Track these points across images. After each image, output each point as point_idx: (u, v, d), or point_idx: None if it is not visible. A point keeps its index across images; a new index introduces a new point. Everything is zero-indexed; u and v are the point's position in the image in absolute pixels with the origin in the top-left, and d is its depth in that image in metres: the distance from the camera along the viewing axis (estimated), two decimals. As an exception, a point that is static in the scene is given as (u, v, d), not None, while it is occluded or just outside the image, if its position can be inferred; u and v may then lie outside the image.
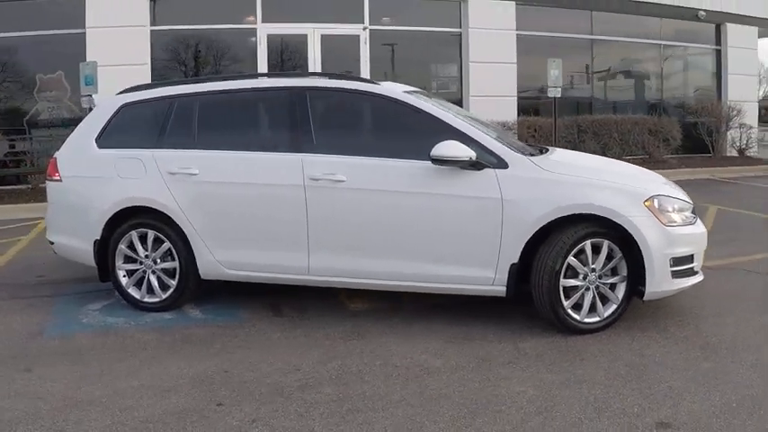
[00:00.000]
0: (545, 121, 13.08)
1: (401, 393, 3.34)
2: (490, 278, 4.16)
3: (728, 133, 15.28)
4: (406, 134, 4.45)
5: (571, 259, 4.08)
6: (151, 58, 10.49)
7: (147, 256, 4.67)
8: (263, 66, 11.41)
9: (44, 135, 10.36)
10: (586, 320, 4.16)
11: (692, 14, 15.08)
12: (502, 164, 4.15)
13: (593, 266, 4.15)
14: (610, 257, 4.18)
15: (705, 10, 14.93)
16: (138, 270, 4.72)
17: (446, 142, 4.06)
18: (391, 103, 4.44)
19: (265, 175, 4.43)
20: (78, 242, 4.84)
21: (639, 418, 3.08)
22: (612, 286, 4.22)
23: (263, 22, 11.38)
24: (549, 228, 4.09)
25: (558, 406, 3.21)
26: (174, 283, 4.65)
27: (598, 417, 3.10)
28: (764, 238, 6.98)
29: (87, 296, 5.12)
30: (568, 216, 4.06)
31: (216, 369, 3.67)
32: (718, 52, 16.06)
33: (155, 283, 4.69)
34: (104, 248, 4.74)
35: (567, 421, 3.05)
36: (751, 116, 15.67)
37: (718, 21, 15.53)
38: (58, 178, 4.96)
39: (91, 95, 8.92)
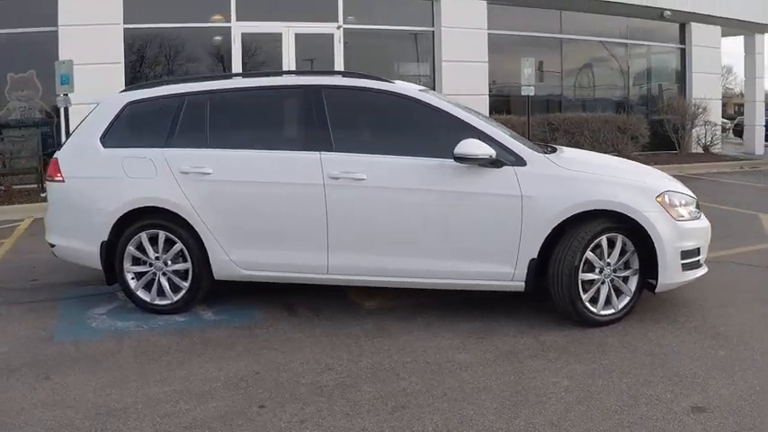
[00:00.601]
0: (517, 119, 13.34)
1: (441, 388, 3.44)
2: (510, 274, 4.29)
3: (694, 130, 15.83)
4: (424, 132, 4.55)
5: (588, 254, 4.24)
6: (125, 57, 10.32)
7: (157, 258, 4.64)
8: (237, 64, 11.37)
9: (16, 135, 10.11)
10: (603, 313, 4.33)
11: (657, 14, 15.58)
12: (520, 161, 4.29)
13: (608, 261, 4.31)
14: (623, 252, 4.35)
15: (670, 9, 15.43)
16: (147, 272, 4.69)
17: (468, 140, 4.18)
18: (408, 101, 4.53)
19: (283, 173, 4.46)
20: (83, 244, 4.77)
21: (674, 404, 3.25)
22: (625, 279, 4.40)
23: (237, 20, 11.35)
24: (564, 224, 4.23)
25: (596, 395, 3.35)
26: (186, 284, 4.63)
27: (636, 404, 3.26)
28: (742, 232, 7.36)
29: (89, 300, 5.07)
30: (585, 212, 4.22)
31: (246, 371, 3.69)
32: (683, 51, 16.63)
33: (165, 285, 4.66)
34: (111, 250, 4.69)
35: (609, 409, 3.20)
36: (715, 114, 16.28)
37: (683, 20, 16.09)
38: (61, 178, 4.87)
39: (67, 95, 8.75)
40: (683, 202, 4.51)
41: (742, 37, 17.79)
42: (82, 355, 3.96)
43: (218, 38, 11.35)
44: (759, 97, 17.45)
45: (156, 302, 4.69)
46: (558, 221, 4.21)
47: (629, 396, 3.34)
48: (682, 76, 16.78)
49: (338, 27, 12.26)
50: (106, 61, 9.87)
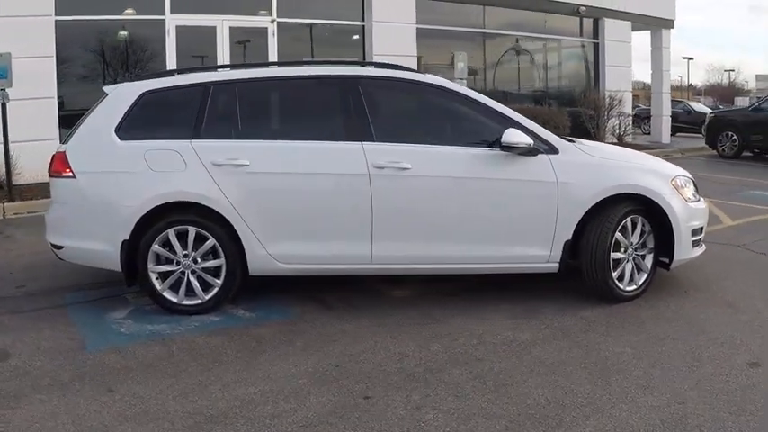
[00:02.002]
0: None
1: (524, 365, 3.74)
2: (546, 256, 4.67)
3: (609, 121, 17.03)
4: (460, 123, 4.84)
5: (617, 235, 4.69)
6: (56, 50, 9.88)
7: (185, 256, 4.55)
8: (171, 58, 11.17)
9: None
10: (627, 289, 4.81)
11: (573, 9, 16.65)
12: (553, 150, 4.67)
13: (631, 240, 4.78)
14: (642, 232, 4.84)
15: (585, 5, 16.54)
16: (174, 271, 4.58)
17: (511, 130, 4.51)
18: (444, 92, 4.80)
19: (325, 164, 4.57)
20: (98, 245, 4.60)
21: (732, 361, 3.75)
22: (643, 257, 4.89)
23: (172, 13, 11.14)
24: (594, 207, 4.65)
25: (663, 360, 3.80)
26: (218, 282, 4.58)
27: (700, 364, 3.73)
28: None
29: (97, 304, 4.90)
30: (613, 196, 4.65)
31: (324, 365, 3.77)
32: (596, 45, 17.83)
33: (196, 283, 4.58)
34: (132, 250, 4.58)
35: (682, 369, 3.66)
36: (626, 105, 17.59)
37: (597, 15, 17.27)
38: (70, 174, 4.64)
39: (4, 89, 8.32)
40: (689, 185, 5.06)
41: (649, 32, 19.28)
42: (133, 363, 3.84)
43: (158, 30, 11.09)
44: (665, 89, 19.03)
45: (185, 303, 4.61)
46: (591, 205, 4.63)
47: (691, 358, 3.81)
48: (596, 70, 17.98)
49: (272, 21, 12.32)
50: (37, 55, 9.40)
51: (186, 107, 4.75)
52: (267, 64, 4.98)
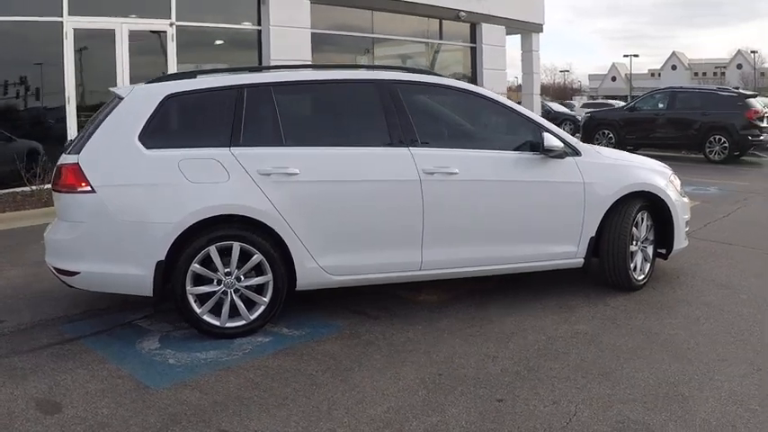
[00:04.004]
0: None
1: (608, 353, 4.09)
2: (574, 252, 5.07)
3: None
4: (495, 127, 5.14)
5: (633, 229, 5.18)
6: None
7: (227, 274, 4.36)
8: (69, 61, 10.56)
9: None
10: (639, 278, 5.34)
11: (454, 15, 17.53)
12: (576, 152, 5.09)
13: (641, 234, 5.31)
14: (647, 226, 5.38)
15: (465, 11, 17.47)
16: (215, 292, 4.35)
17: (548, 135, 4.86)
18: (477, 97, 5.07)
19: (376, 170, 4.60)
20: (127, 268, 4.27)
21: (760, 335, 4.34)
22: (646, 249, 5.44)
23: (69, 15, 10.47)
24: (614, 205, 5.11)
25: (712, 336, 4.35)
26: (265, 299, 4.43)
27: (742, 334, 4.33)
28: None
29: (113, 334, 4.55)
30: (629, 193, 5.15)
31: (425, 374, 3.82)
32: (473, 49, 18.87)
33: (240, 303, 4.39)
34: (167, 271, 4.29)
35: (733, 341, 4.26)
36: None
37: (475, 21, 18.30)
38: (88, 189, 4.27)
39: None
40: (678, 182, 5.69)
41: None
42: (221, 398, 3.61)
43: (56, 33, 10.36)
44: (536, 90, 20.50)
45: (228, 325, 4.38)
46: (611, 202, 5.10)
47: (736, 331, 4.41)
48: (473, 73, 19.01)
49: (171, 24, 12.02)
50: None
51: (218, 112, 4.55)
52: (306, 66, 4.83)
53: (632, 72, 74.65)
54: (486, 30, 18.53)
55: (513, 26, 19.30)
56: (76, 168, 4.31)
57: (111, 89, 4.91)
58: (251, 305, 4.47)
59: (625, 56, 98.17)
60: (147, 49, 11.95)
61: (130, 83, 11.26)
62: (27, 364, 4.10)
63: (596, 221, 5.07)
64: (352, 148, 4.67)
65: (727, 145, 14.69)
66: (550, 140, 4.85)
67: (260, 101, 4.59)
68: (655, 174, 5.43)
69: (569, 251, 5.06)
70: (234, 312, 4.43)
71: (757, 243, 7.00)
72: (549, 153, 4.89)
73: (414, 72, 5.22)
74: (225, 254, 4.37)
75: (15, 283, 5.79)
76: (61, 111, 10.73)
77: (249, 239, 4.37)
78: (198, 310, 4.37)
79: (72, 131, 10.74)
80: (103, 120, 4.50)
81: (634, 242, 5.26)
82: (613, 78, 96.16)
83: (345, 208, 4.56)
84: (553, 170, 4.96)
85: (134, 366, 4.06)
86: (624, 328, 4.50)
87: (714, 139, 14.83)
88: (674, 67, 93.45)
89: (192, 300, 4.36)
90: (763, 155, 16.20)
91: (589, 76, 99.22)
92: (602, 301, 5.04)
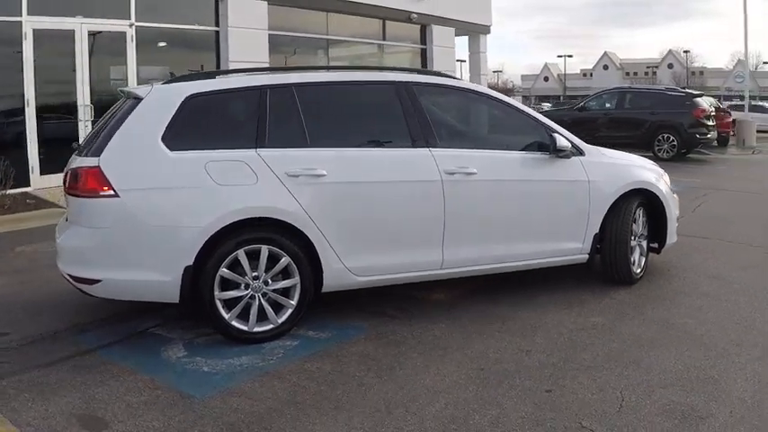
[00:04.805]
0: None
1: (634, 344, 4.33)
2: (579, 248, 5.34)
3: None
4: (506, 128, 5.35)
5: (633, 225, 5.49)
6: None
7: (255, 278, 4.37)
8: (28, 63, 10.29)
9: None
10: (637, 272, 5.66)
11: (406, 17, 17.80)
12: (581, 152, 5.36)
13: (638, 229, 5.62)
14: (642, 222, 5.70)
15: (416, 13, 17.76)
16: (242, 296, 4.35)
17: (558, 136, 5.10)
18: (488, 99, 5.28)
19: (401, 171, 4.72)
20: (152, 274, 4.21)
21: (762, 321, 4.71)
22: (641, 243, 5.74)
23: (29, 15, 10.19)
24: (615, 202, 5.39)
25: (723, 322, 4.68)
26: (293, 302, 4.46)
27: (745, 322, 4.68)
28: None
29: (131, 344, 4.48)
30: (629, 191, 5.44)
31: (469, 370, 3.95)
32: (424, 51, 19.19)
33: (268, 307, 4.40)
34: (195, 277, 4.24)
35: (739, 327, 4.62)
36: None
37: (426, 22, 18.64)
38: (111, 193, 4.18)
39: None
40: (668, 179, 6.04)
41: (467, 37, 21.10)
42: (274, 404, 3.59)
43: (14, 32, 10.07)
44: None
45: (257, 330, 4.40)
46: (613, 199, 5.39)
47: (739, 318, 4.77)
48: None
49: (131, 25, 11.86)
50: None
51: (241, 113, 4.58)
52: (320, 68, 4.86)
53: (566, 72, 76.82)
54: (437, 31, 18.89)
55: (462, 28, 19.75)
56: (97, 172, 4.20)
57: (125, 89, 4.86)
58: (278, 309, 4.49)
59: (559, 56, 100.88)
60: (107, 50, 11.76)
61: (90, 85, 11.08)
62: (50, 378, 3.97)
63: (600, 218, 5.35)
64: (376, 149, 4.79)
65: (675, 143, 15.43)
66: (561, 141, 5.10)
67: (283, 101, 4.60)
68: (649, 171, 5.76)
69: (575, 247, 5.32)
70: (261, 317, 4.44)
71: (731, 237, 7.49)
72: (560, 153, 5.13)
73: (427, 74, 5.39)
74: (251, 257, 4.37)
75: (4, 293, 5.65)
76: (20, 113, 10.42)
77: (278, 242, 4.39)
78: (226, 316, 4.36)
79: (32, 135, 10.48)
80: (122, 121, 4.40)
81: (633, 237, 5.56)
82: (546, 78, 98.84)
83: (371, 209, 4.66)
84: (561, 169, 5.21)
85: (168, 376, 4.00)
86: (637, 319, 4.78)
87: (663, 137, 15.55)
88: (605, 67, 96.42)
89: (220, 305, 4.35)
90: (707, 152, 17.09)
91: (522, 76, 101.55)
92: (606, 295, 5.32)
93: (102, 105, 11.39)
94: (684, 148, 15.69)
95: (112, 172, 4.21)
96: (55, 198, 9.57)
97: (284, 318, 4.49)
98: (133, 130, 4.34)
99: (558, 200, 5.22)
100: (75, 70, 10.97)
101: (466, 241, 4.93)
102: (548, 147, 5.15)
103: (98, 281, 4.28)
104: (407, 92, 4.91)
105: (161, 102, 4.43)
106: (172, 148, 4.31)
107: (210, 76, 4.80)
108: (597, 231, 5.35)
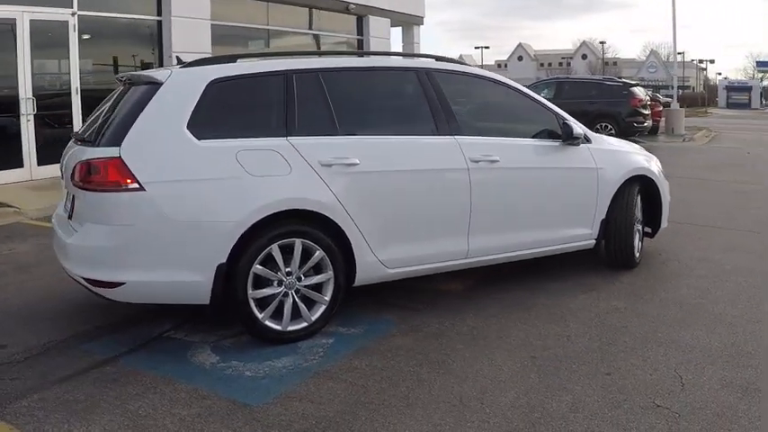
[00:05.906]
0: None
1: (665, 325, 4.52)
2: (588, 234, 5.52)
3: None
4: (523, 116, 5.42)
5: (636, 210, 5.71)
6: None
7: (289, 273, 4.19)
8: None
9: None
10: (637, 255, 5.88)
11: (343, 7, 17.73)
12: (588, 140, 5.52)
13: (638, 214, 5.85)
14: (640, 207, 5.93)
15: (354, 3, 17.73)
16: (275, 294, 4.15)
17: (573, 124, 5.25)
18: (503, 87, 5.35)
19: (429, 159, 4.69)
20: (182, 274, 3.94)
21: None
22: (639, 229, 5.98)
23: (-30, 2, 9.55)
24: (620, 188, 5.57)
25: (729, 302, 4.95)
26: (326, 298, 4.32)
27: (754, 300, 4.99)
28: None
29: (154, 351, 4.20)
30: (630, 177, 5.65)
31: (521, 358, 4.00)
32: (360, 42, 19.16)
33: (301, 305, 4.23)
34: (227, 275, 4.01)
35: (751, 304, 4.91)
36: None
37: (363, 13, 18.64)
38: (136, 186, 3.87)
39: None
40: (660, 166, 6.30)
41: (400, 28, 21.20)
42: (345, 407, 3.46)
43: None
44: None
45: (290, 329, 4.20)
46: (617, 186, 5.58)
47: (746, 296, 5.08)
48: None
49: (73, 14, 11.35)
50: None
51: (267, 99, 4.37)
52: (346, 53, 4.72)
53: (483, 64, 78.17)
54: (374, 22, 18.92)
55: (397, 19, 19.86)
56: (119, 163, 3.86)
57: (139, 73, 4.53)
58: (310, 305, 4.31)
59: (476, 47, 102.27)
60: (49, 39, 11.21)
61: (32, 74, 10.55)
62: (77, 394, 3.61)
63: (606, 204, 5.54)
64: (405, 136, 4.72)
65: (613, 132, 16.07)
66: (576, 129, 5.25)
67: (310, 87, 4.43)
68: (645, 159, 5.99)
69: (585, 233, 5.49)
70: (294, 315, 4.27)
71: (702, 221, 7.90)
72: (575, 141, 5.27)
73: (447, 61, 5.40)
74: (286, 252, 4.18)
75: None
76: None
77: (312, 236, 4.21)
78: (260, 316, 4.15)
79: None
80: (141, 107, 4.06)
81: (636, 223, 5.78)
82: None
83: (402, 198, 4.56)
84: (572, 157, 5.36)
85: (211, 384, 3.75)
86: (655, 301, 5.00)
87: (601, 126, 16.16)
88: (520, 58, 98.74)
89: (253, 304, 4.13)
90: (641, 141, 17.87)
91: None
92: (616, 279, 5.53)
93: (44, 98, 10.87)
94: (622, 136, 16.34)
95: (135, 163, 3.89)
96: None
97: (317, 315, 4.33)
98: (155, 118, 4.03)
99: (571, 187, 5.36)
100: (16, 60, 10.37)
101: (489, 230, 4.97)
102: (558, 134, 5.28)
103: (121, 283, 3.94)
104: (429, 78, 4.89)
105: (184, 87, 4.15)
106: (199, 137, 4.04)
107: (232, 60, 4.56)
108: (604, 217, 5.54)
